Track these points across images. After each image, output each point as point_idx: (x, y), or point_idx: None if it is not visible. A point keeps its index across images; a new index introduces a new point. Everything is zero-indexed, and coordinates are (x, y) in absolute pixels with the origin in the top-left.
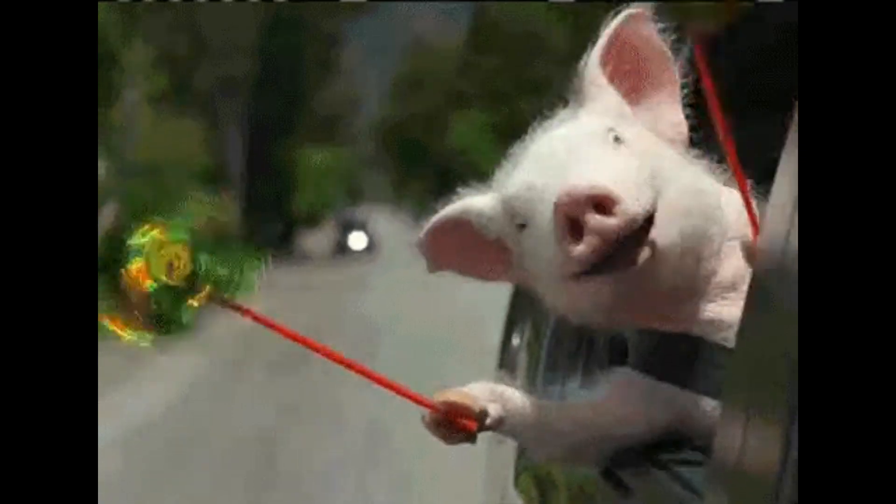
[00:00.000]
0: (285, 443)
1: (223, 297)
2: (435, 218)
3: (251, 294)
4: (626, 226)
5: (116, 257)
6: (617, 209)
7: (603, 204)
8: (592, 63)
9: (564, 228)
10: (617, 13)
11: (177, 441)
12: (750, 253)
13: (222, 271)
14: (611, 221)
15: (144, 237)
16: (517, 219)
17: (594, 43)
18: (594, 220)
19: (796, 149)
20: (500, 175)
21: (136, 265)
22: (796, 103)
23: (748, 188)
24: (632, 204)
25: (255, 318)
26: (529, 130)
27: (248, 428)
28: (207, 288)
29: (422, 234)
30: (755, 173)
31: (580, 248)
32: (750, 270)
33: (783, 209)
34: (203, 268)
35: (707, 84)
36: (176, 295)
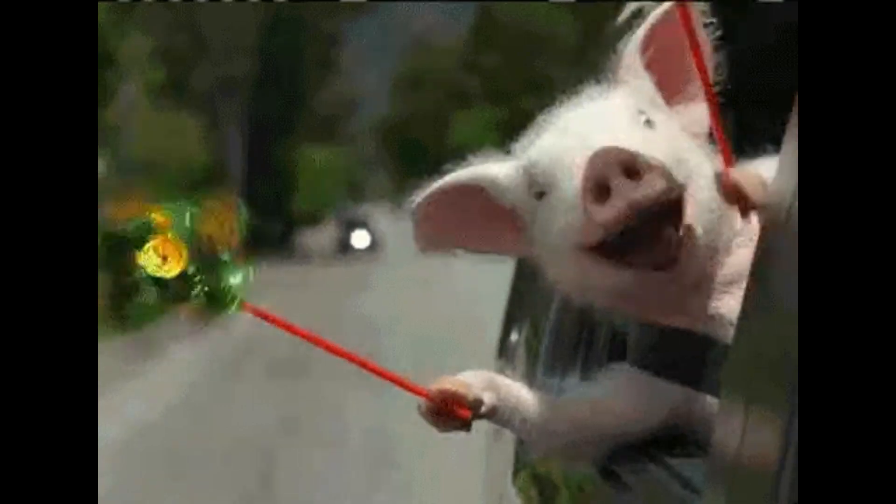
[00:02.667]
0: (285, 443)
1: (206, 315)
2: (437, 184)
3: (238, 305)
4: (654, 196)
5: (116, 252)
6: (647, 176)
7: (633, 169)
8: (632, 47)
9: (590, 191)
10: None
11: (177, 441)
12: (725, 187)
13: (211, 283)
14: (640, 189)
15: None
16: (536, 187)
17: (596, 41)
18: (623, 183)
19: (796, 146)
20: (521, 143)
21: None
22: (796, 102)
23: (724, 136)
24: (662, 174)
25: (258, 314)
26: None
27: (248, 428)
28: (195, 301)
29: (419, 200)
30: None
31: (605, 213)
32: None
33: (783, 204)
34: (193, 275)
35: (694, 50)
36: (160, 291)
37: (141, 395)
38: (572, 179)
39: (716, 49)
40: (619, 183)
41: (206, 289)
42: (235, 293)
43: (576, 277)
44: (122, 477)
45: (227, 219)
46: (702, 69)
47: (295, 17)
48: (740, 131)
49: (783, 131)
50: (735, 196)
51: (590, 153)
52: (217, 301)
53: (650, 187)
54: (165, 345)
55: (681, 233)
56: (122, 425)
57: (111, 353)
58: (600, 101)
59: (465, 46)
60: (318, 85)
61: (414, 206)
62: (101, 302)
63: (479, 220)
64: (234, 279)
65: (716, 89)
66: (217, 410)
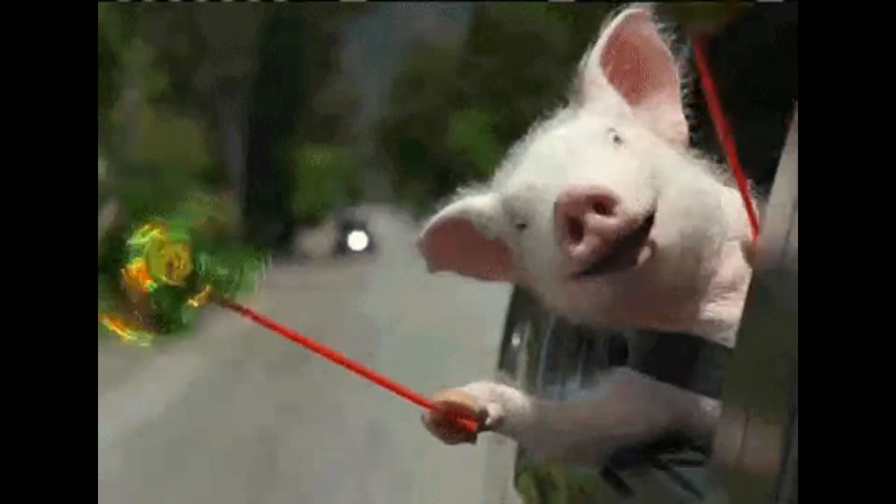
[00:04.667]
0: (285, 443)
1: (223, 297)
2: (434, 218)
3: (251, 293)
4: (626, 226)
5: (116, 257)
6: (617, 209)
7: (603, 204)
8: (592, 63)
9: (564, 228)
10: (617, 13)
11: (177, 441)
12: (749, 253)
13: (222, 271)
14: (611, 221)
15: (144, 237)
16: (517, 219)
17: (594, 43)
18: (594, 220)
19: (796, 149)
20: (500, 175)
21: (136, 265)
22: (796, 103)
23: (748, 188)
24: (632, 204)
25: (255, 318)
26: (529, 130)
27: (248, 428)
28: (207, 288)
29: (421, 234)
30: (755, 173)
31: (580, 248)
32: (750, 270)
33: (783, 209)
34: (203, 268)
35: (707, 84)
36: (176, 295)
37: (141, 395)
38: (548, 213)
39: (675, 51)
40: (590, 220)
41: (217, 276)
42: (246, 274)
43: (566, 303)
44: (123, 476)
45: (217, 210)
46: (707, 81)
47: (295, 17)
48: (740, 131)
49: (783, 132)
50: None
51: (564, 190)
52: (230, 284)
53: (622, 218)
54: (165, 345)
55: (647, 237)
56: (122, 425)
57: (111, 353)
58: (570, 124)
59: (464, 47)
60: (318, 85)
61: (419, 238)
62: (145, 311)
63: (473, 250)
64: (242, 262)
65: (684, 91)
66: (217, 410)
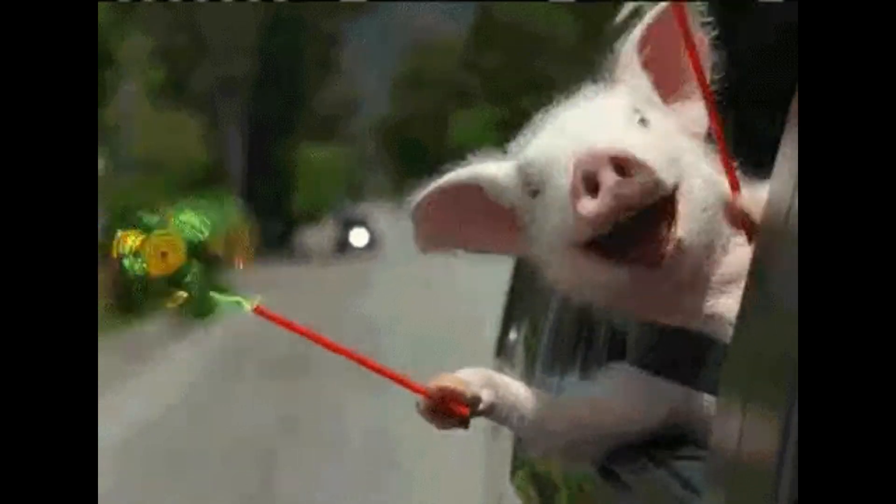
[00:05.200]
0: (285, 443)
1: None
2: (436, 184)
3: (207, 319)
4: (644, 192)
5: (125, 218)
6: (636, 174)
7: (623, 166)
8: (629, 46)
9: (580, 186)
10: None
11: (177, 441)
12: (732, 213)
13: (195, 289)
14: (629, 182)
15: (155, 219)
16: (531, 185)
17: (596, 40)
18: (612, 178)
19: (795, 146)
20: (517, 142)
21: (133, 235)
22: (795, 98)
23: (726, 147)
24: (652, 172)
25: (263, 314)
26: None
27: (248, 428)
28: (178, 297)
29: (418, 200)
30: (755, 172)
31: (593, 206)
32: (748, 267)
33: (783, 204)
34: (187, 278)
35: (690, 52)
36: (149, 281)
37: (141, 395)
38: (565, 177)
39: (713, 48)
40: (608, 179)
41: (191, 293)
42: (215, 305)
43: (572, 276)
44: (122, 477)
45: (239, 241)
46: (698, 69)
47: (295, 17)
48: (740, 131)
49: (783, 131)
50: (742, 222)
51: (585, 148)
52: (196, 307)
53: (639, 184)
54: (165, 345)
55: (672, 232)
56: (122, 425)
57: (111, 353)
58: (597, 101)
59: (464, 46)
60: (318, 85)
61: (413, 206)
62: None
63: (478, 219)
64: (222, 294)
65: (713, 88)
66: (217, 410)
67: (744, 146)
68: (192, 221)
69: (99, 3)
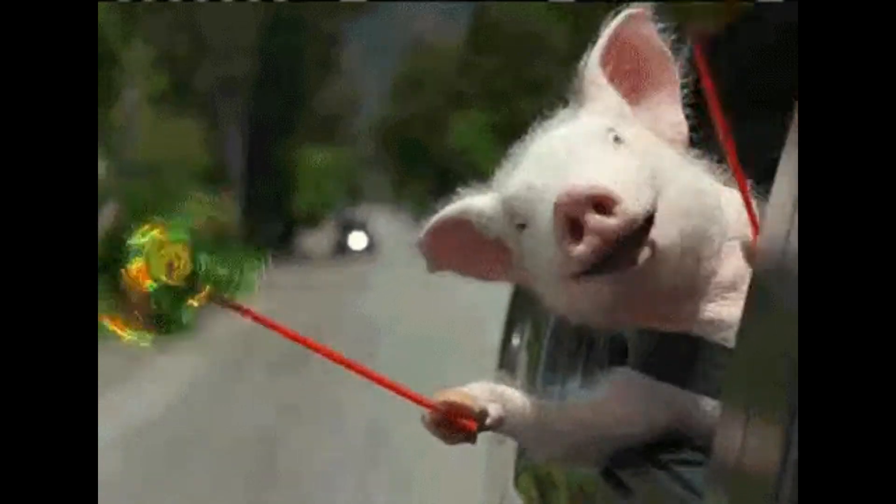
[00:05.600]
0: (285, 443)
1: (223, 297)
2: (434, 218)
3: (251, 293)
4: (626, 226)
5: (116, 257)
6: (617, 209)
7: (603, 204)
8: (592, 63)
9: (564, 228)
10: (617, 13)
11: (177, 441)
12: (750, 253)
13: (222, 271)
14: (611, 221)
15: (144, 237)
16: (517, 219)
17: (594, 43)
18: (594, 220)
19: (796, 149)
20: (500, 175)
21: (136, 265)
22: (796, 103)
23: (748, 188)
24: (632, 204)
25: (255, 318)
26: (529, 130)
27: (248, 428)
28: (207, 288)
29: (421, 233)
30: (755, 173)
31: (580, 249)
32: (750, 270)
33: (783, 209)
34: (203, 268)
35: (707, 84)
36: (176, 295)
37: (141, 395)
38: (548, 213)
39: (675, 51)
40: (590, 220)
41: (217, 276)
42: (246, 274)
43: (566, 303)
44: (123, 476)
45: (217, 210)
46: (708, 83)
47: (295, 17)
48: (740, 131)
49: (783, 132)
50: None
51: (563, 190)
52: (230, 284)
53: (622, 218)
54: (165, 345)
55: (647, 237)
56: (122, 425)
57: (111, 353)
58: (570, 125)
59: (464, 47)
60: (318, 85)
61: (419, 238)
62: (145, 311)
63: (473, 250)
64: (242, 262)
65: (684, 91)
66: (217, 410)
67: (743, 146)
68: (214, 270)
69: (100, 6)
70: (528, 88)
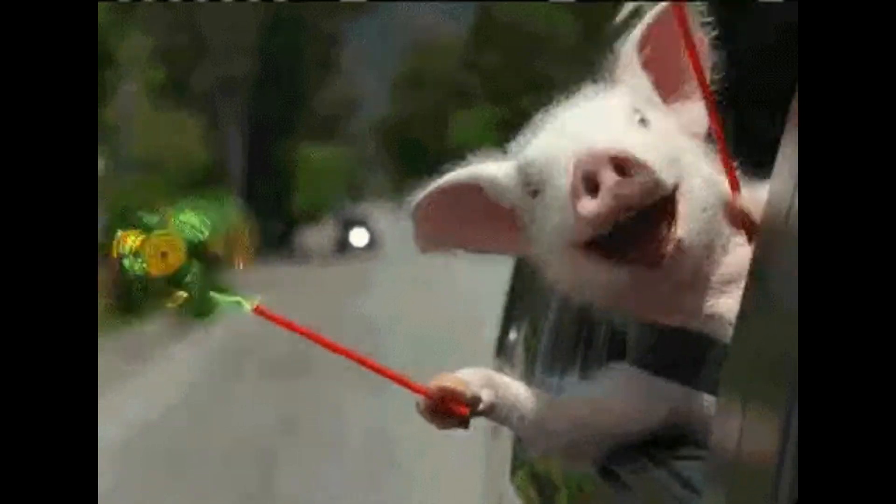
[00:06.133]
0: (285, 443)
1: (184, 306)
2: (436, 184)
3: (204, 320)
4: (644, 191)
5: (124, 220)
6: (636, 174)
7: (623, 166)
8: (629, 46)
9: (580, 186)
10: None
11: (177, 441)
12: (732, 213)
13: (195, 289)
14: (629, 183)
15: (155, 217)
16: (531, 185)
17: (595, 41)
18: (612, 178)
19: (795, 146)
20: (517, 143)
21: (132, 235)
22: (795, 99)
23: (726, 147)
24: (653, 172)
25: (263, 314)
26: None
27: (248, 428)
28: (178, 297)
29: (418, 200)
30: (755, 172)
31: (593, 206)
32: (748, 267)
33: (782, 203)
34: (187, 278)
35: (690, 51)
36: (141, 277)
37: (141, 395)
38: (565, 177)
39: (713, 48)
40: (608, 179)
41: (191, 293)
42: (215, 305)
43: (572, 276)
44: (122, 477)
45: (239, 240)
46: (698, 69)
47: (295, 17)
48: (740, 131)
49: (783, 131)
50: (742, 221)
51: (584, 147)
52: (196, 307)
53: (639, 184)
54: (165, 345)
55: (672, 232)
56: (122, 425)
57: (111, 353)
58: (596, 101)
59: (465, 46)
60: (318, 85)
61: (413, 205)
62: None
63: (478, 219)
64: (222, 294)
65: (713, 88)
66: (217, 410)
67: (744, 146)
68: (192, 221)
69: (99, 3)
70: (530, 87)
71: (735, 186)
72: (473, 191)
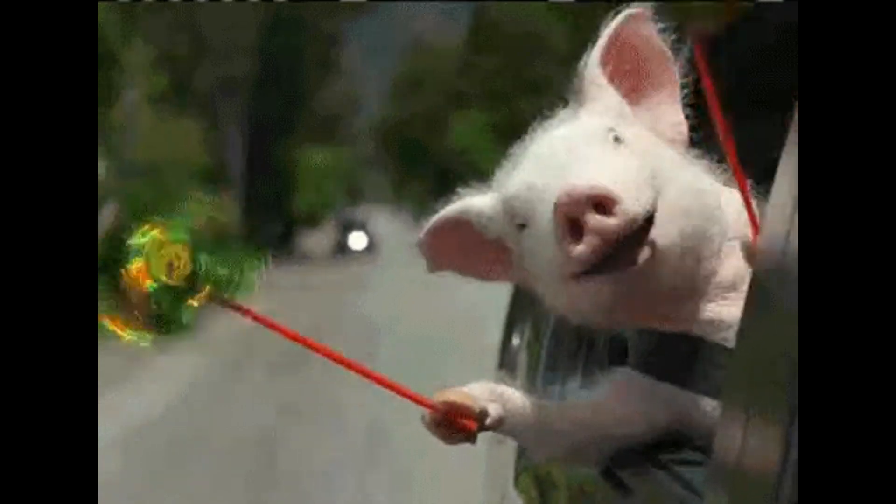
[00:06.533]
0: (285, 443)
1: (223, 297)
2: (434, 218)
3: (251, 293)
4: (626, 226)
5: (116, 257)
6: (617, 209)
7: (603, 204)
8: (592, 63)
9: (564, 228)
10: (617, 13)
11: (177, 441)
12: (750, 253)
13: (222, 271)
14: (611, 221)
15: (144, 237)
16: (517, 219)
17: (594, 43)
18: (594, 220)
19: (796, 149)
20: (500, 175)
21: (136, 265)
22: (796, 103)
23: (748, 188)
24: (632, 204)
25: (256, 318)
26: (529, 130)
27: (248, 428)
28: (207, 288)
29: (421, 234)
30: (755, 173)
31: (580, 248)
32: (750, 270)
33: (783, 209)
34: (203, 268)
35: (707, 84)
36: (176, 295)
37: (141, 395)
38: (548, 214)
39: (675, 52)
40: (590, 220)
41: (217, 276)
42: (246, 274)
43: (566, 302)
44: (123, 477)
45: (217, 210)
46: (710, 91)
47: (295, 17)
48: (740, 131)
49: (783, 131)
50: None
51: (563, 190)
52: (230, 284)
53: (622, 218)
54: (165, 345)
55: (647, 236)
56: (122, 425)
57: (111, 353)
58: (570, 124)
59: (464, 47)
60: (318, 85)
61: (419, 238)
62: (145, 311)
63: (473, 250)
64: (242, 262)
65: (684, 91)
66: (217, 410)
67: (744, 146)
68: (214, 270)
69: (100, 7)
70: (528, 88)
71: (755, 225)
72: (464, 224)
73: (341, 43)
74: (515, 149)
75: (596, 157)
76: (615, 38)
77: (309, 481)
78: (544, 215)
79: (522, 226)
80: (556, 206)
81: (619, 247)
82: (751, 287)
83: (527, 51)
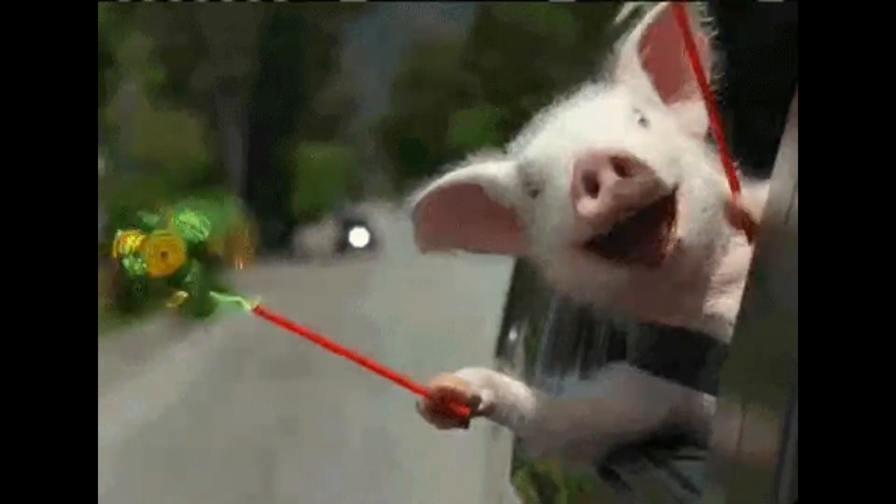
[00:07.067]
0: (285, 443)
1: (182, 310)
2: (436, 184)
3: (205, 319)
4: (644, 191)
5: (124, 220)
6: (636, 174)
7: (623, 166)
8: (629, 46)
9: (580, 186)
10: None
11: (177, 441)
12: (732, 213)
13: (195, 289)
14: (628, 182)
15: (155, 217)
16: (532, 185)
17: (597, 40)
18: (612, 178)
19: (795, 143)
20: (518, 142)
21: (132, 235)
22: (795, 94)
23: (726, 149)
24: (652, 172)
25: (268, 316)
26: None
27: (248, 428)
28: (178, 297)
29: (418, 200)
30: (755, 173)
31: (592, 205)
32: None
33: (782, 203)
34: (187, 278)
35: (689, 48)
36: (142, 277)
37: (141, 395)
38: (565, 177)
39: (713, 48)
40: (608, 179)
41: (191, 293)
42: (215, 305)
43: (572, 276)
44: (122, 477)
45: (239, 240)
46: (697, 69)
47: (295, 17)
48: (740, 131)
49: (783, 131)
50: (742, 222)
51: (584, 148)
52: (196, 307)
53: (638, 184)
54: (165, 345)
55: (672, 232)
56: (122, 425)
57: (111, 353)
58: (597, 100)
59: (465, 46)
60: (318, 85)
61: (413, 205)
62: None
63: (478, 219)
64: (222, 294)
65: (713, 88)
66: (217, 410)
67: (744, 146)
68: (192, 221)
69: (99, 3)
70: (530, 87)
71: (735, 186)
72: (473, 191)
73: (341, 43)
74: (537, 118)
75: (619, 127)
76: (655, 26)
77: (309, 483)
78: (560, 180)
79: (536, 192)
80: (576, 163)
81: (636, 224)
82: (749, 281)
83: (528, 49)
